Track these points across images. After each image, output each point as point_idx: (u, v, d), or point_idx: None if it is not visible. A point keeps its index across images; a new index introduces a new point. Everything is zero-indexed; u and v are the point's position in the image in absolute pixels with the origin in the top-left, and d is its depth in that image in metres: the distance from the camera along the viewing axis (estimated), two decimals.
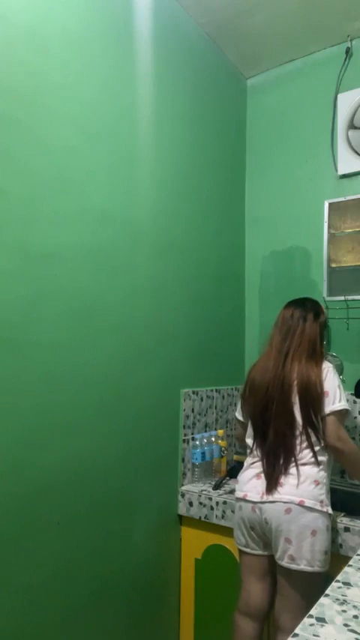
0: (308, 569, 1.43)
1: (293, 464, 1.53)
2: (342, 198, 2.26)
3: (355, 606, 0.86)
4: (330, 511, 1.50)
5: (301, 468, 1.52)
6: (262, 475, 1.57)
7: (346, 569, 1.03)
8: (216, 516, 1.86)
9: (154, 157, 1.92)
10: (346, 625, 0.80)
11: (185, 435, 2.03)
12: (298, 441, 1.55)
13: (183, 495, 1.97)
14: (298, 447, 1.55)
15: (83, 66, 1.59)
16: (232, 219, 2.49)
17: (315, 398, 1.57)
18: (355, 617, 0.83)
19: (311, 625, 0.80)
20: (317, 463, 1.53)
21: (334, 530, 1.58)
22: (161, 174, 1.95)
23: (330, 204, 2.29)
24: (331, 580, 0.98)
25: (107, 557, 1.62)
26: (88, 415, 1.56)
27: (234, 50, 2.41)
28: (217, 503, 1.86)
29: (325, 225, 2.30)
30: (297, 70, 2.47)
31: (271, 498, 1.50)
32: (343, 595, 0.91)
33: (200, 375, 2.17)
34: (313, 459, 1.53)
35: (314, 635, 0.76)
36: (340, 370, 2.19)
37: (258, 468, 1.59)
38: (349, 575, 0.99)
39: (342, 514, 1.67)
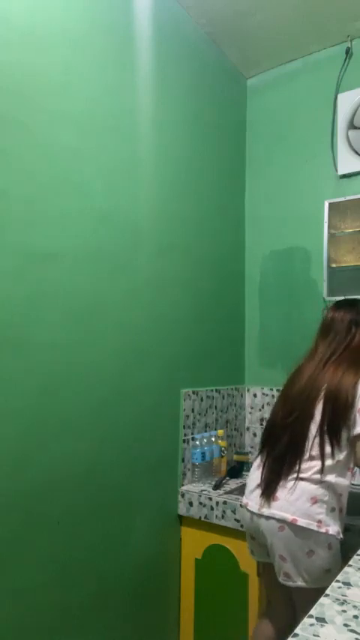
0: (303, 585, 1.35)
1: (294, 475, 1.41)
2: (342, 198, 2.26)
3: (355, 606, 0.86)
4: (332, 531, 1.36)
5: (299, 482, 1.39)
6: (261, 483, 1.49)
7: (346, 569, 1.03)
8: (216, 516, 1.86)
9: (155, 157, 1.92)
10: (346, 625, 0.80)
11: (185, 435, 2.03)
12: (306, 448, 1.42)
13: (183, 495, 1.97)
14: (305, 456, 1.42)
15: (83, 66, 1.59)
16: (233, 219, 2.49)
17: (343, 406, 1.41)
18: (355, 617, 0.83)
19: (311, 625, 0.80)
20: (321, 480, 1.38)
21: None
22: (161, 174, 1.95)
23: (330, 204, 2.29)
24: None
25: (107, 557, 1.62)
26: (88, 415, 1.56)
27: (234, 50, 2.41)
28: (217, 503, 1.86)
29: (325, 225, 2.30)
30: (297, 70, 2.47)
31: (266, 512, 1.42)
32: (343, 595, 0.91)
33: (200, 375, 2.17)
34: (317, 475, 1.39)
35: (314, 635, 0.76)
36: None
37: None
38: (349, 575, 0.99)
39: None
